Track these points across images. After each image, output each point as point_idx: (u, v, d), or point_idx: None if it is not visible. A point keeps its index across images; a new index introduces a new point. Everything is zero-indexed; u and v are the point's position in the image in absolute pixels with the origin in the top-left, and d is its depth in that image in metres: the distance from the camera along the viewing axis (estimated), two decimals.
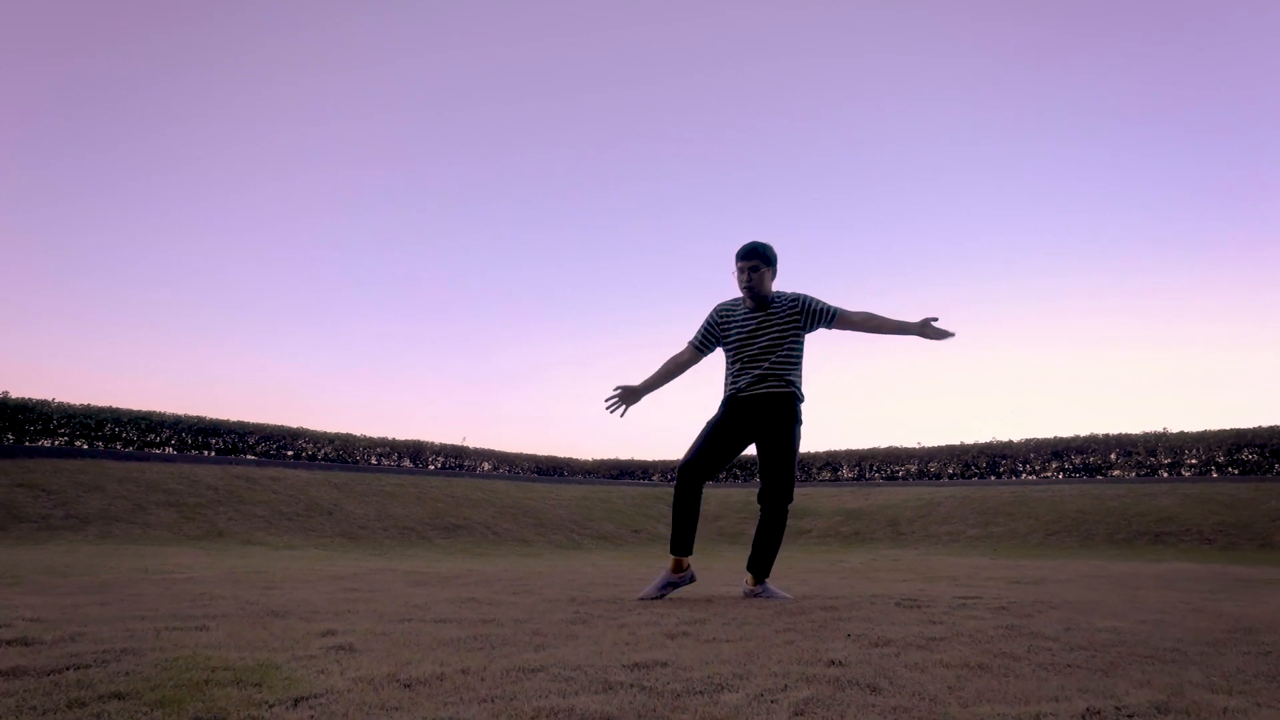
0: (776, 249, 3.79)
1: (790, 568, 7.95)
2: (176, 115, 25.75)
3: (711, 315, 3.84)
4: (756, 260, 3.66)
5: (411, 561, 8.07)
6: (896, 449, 18.47)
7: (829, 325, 3.77)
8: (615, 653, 2.07)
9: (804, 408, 3.82)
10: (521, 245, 31.04)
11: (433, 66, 28.26)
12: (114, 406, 15.70)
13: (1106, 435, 15.22)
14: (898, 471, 18.36)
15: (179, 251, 27.34)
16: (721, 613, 3.10)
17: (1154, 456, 14.53)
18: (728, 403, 3.76)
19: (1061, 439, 15.84)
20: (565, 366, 31.76)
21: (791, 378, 3.72)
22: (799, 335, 3.74)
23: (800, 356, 3.77)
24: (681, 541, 3.72)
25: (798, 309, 3.71)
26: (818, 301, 3.76)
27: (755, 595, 3.78)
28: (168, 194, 26.39)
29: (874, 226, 28.86)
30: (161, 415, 16.40)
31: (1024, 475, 16.25)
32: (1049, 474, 15.95)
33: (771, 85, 28.12)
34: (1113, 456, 15.06)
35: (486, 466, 22.28)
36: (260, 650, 1.97)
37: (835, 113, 28.20)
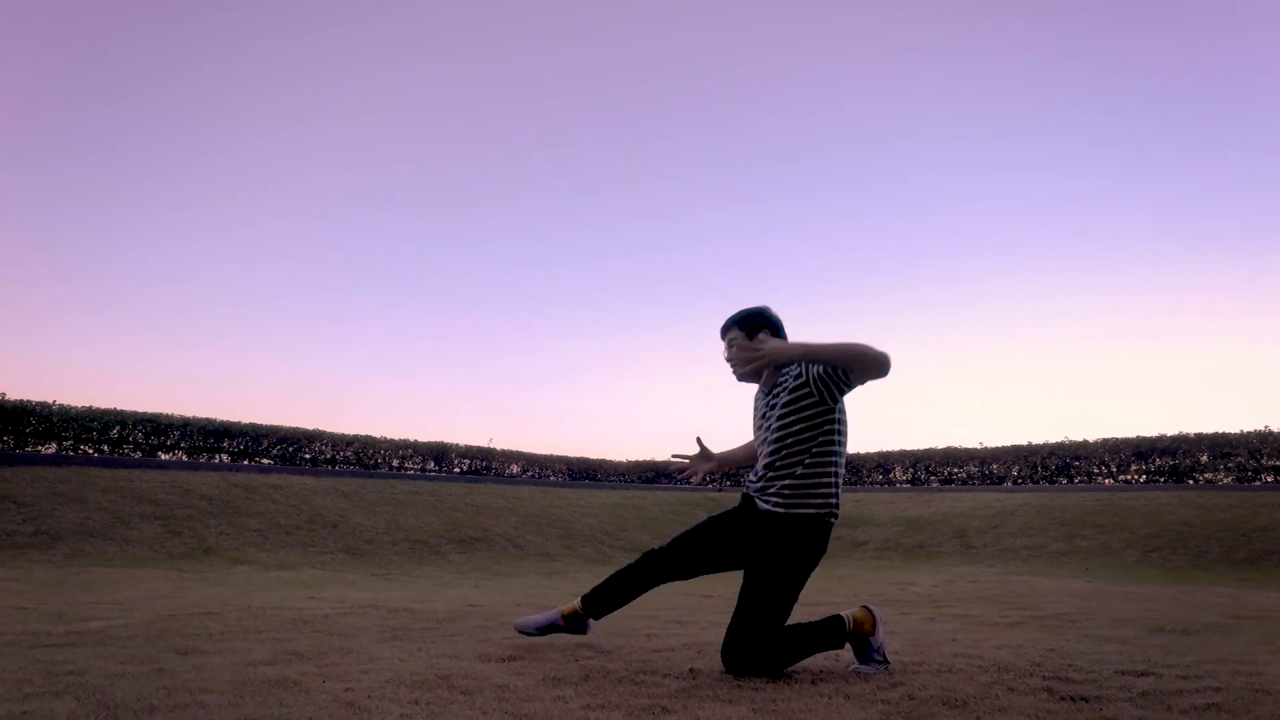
0: (780, 307, 3.04)
1: (854, 589, 6.87)
2: (187, 112, 25.30)
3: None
4: (734, 332, 2.97)
5: (415, 585, 7.12)
6: (955, 449, 17.16)
7: (841, 376, 2.74)
8: None
9: (812, 522, 2.78)
10: (550, 243, 30.25)
11: (455, 63, 27.58)
12: (119, 409, 15.08)
13: (1199, 434, 13.77)
14: (956, 474, 17.06)
15: (193, 251, 26.94)
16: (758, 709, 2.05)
17: (1257, 459, 13.04)
18: (742, 501, 3.00)
19: (1145, 438, 14.43)
20: (598, 365, 30.93)
21: (796, 483, 2.74)
22: (810, 409, 2.72)
23: (817, 442, 2.74)
24: (599, 600, 3.06)
25: (799, 370, 2.77)
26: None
27: None
28: (181, 192, 25.96)
29: (937, 218, 27.50)
30: (170, 417, 15.76)
31: (1100, 479, 14.87)
32: (1128, 477, 14.55)
33: (810, 78, 26.91)
34: (1204, 458, 13.61)
35: (515, 469, 21.43)
36: None
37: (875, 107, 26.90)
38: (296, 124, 27.39)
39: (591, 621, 3.16)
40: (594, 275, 30.89)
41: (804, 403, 2.74)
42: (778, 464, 2.78)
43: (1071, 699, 2.44)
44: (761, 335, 2.93)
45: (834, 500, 2.76)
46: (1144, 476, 14.29)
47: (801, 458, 2.74)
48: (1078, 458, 15.18)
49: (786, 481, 2.75)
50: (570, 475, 22.33)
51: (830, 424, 2.75)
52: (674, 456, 3.48)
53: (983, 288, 28.37)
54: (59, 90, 23.42)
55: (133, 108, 24.63)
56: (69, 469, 10.13)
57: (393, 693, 2.41)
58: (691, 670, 2.96)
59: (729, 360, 3.01)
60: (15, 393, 14.09)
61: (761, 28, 26.90)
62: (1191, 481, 13.50)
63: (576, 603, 3.11)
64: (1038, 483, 15.49)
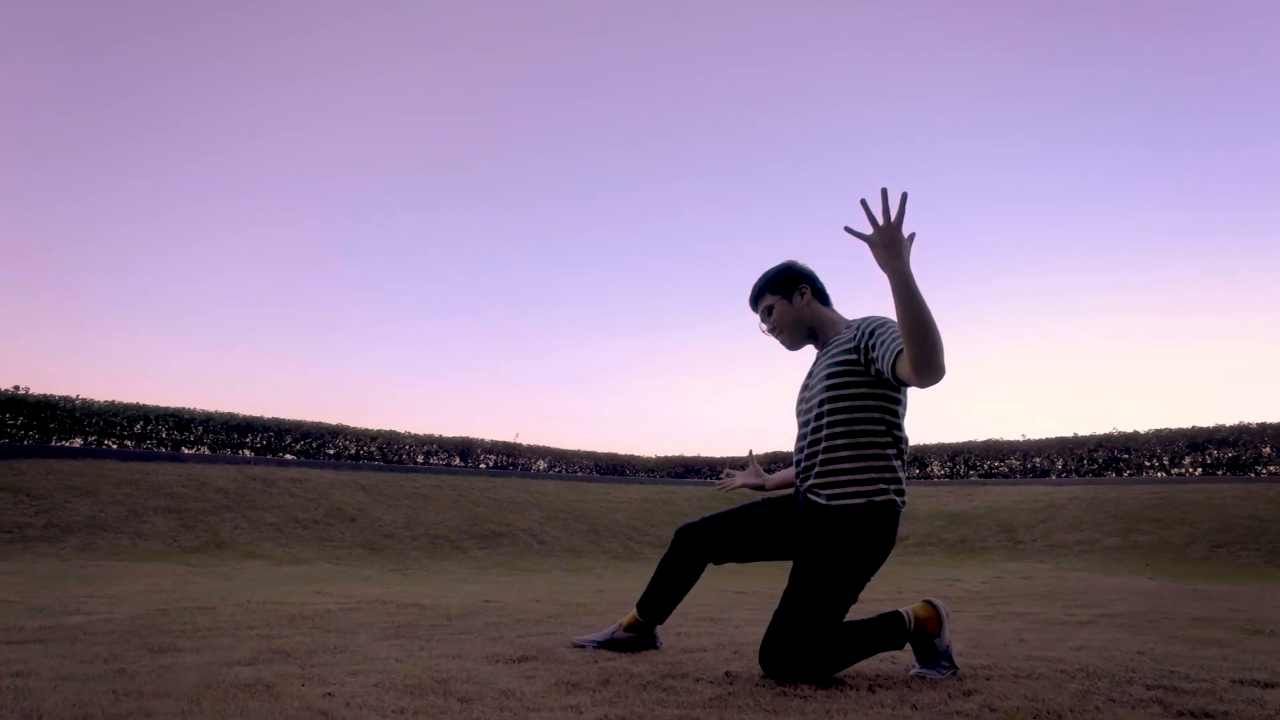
0: (818, 261, 2.65)
1: (897, 586, 6.43)
2: (213, 109, 25.35)
3: None
4: (770, 298, 2.57)
5: (432, 580, 6.81)
6: (997, 442, 16.54)
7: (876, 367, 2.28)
8: None
9: (866, 512, 2.31)
10: (581, 241, 30.03)
11: (484, 64, 27.42)
12: (141, 403, 15.01)
13: (1262, 424, 13.04)
14: (997, 467, 16.43)
15: (220, 249, 27.02)
16: None
17: None
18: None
19: (1201, 429, 13.73)
20: (629, 363, 30.67)
21: (845, 467, 2.31)
22: (857, 381, 2.29)
23: (871, 417, 2.30)
24: (653, 603, 2.77)
25: (853, 335, 2.33)
26: (874, 328, 2.31)
27: None
28: (208, 190, 26.03)
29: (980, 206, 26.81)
30: (192, 412, 15.67)
31: (1152, 472, 14.19)
32: (1182, 470, 13.86)
33: (833, 77, 26.35)
34: (1267, 450, 12.89)
35: (542, 465, 21.18)
36: None
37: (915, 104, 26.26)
38: (323, 123, 27.39)
39: (659, 630, 2.86)
40: (625, 272, 30.60)
41: (848, 365, 2.33)
42: (822, 445, 2.36)
43: (1192, 715, 2.02)
44: (802, 291, 2.54)
45: (894, 485, 2.32)
46: (1199, 469, 13.60)
47: (851, 437, 2.32)
48: (1127, 450, 14.50)
49: (833, 466, 2.34)
50: (598, 471, 22.02)
51: (885, 395, 2.33)
52: (725, 473, 3.06)
53: (1019, 277, 27.60)
54: (85, 87, 23.58)
55: (158, 104, 24.74)
56: (85, 462, 9.98)
57: (378, 699, 2.06)
58: (728, 674, 2.58)
59: (772, 331, 2.58)
60: (40, 388, 14.07)
61: (799, 23, 26.39)
62: (1253, 475, 12.80)
63: (634, 611, 2.81)
64: (1084, 475, 14.84)
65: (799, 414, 2.54)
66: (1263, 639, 3.55)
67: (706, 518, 2.62)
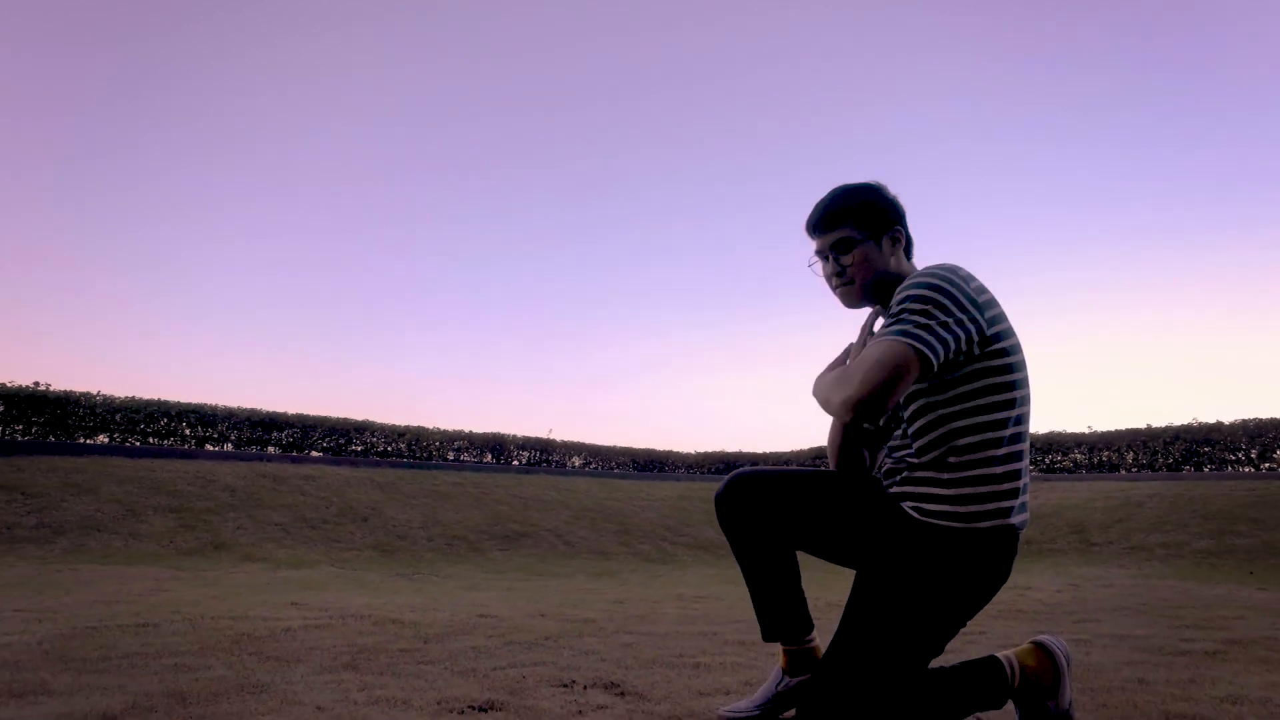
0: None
1: None
2: (239, 109, 25.27)
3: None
4: (844, 231, 1.77)
5: (438, 587, 6.21)
6: (1060, 434, 15.47)
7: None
8: None
9: (964, 539, 1.59)
10: (621, 239, 29.55)
11: (513, 66, 27.04)
12: (163, 399, 14.77)
13: None
14: (1060, 462, 15.37)
15: (248, 248, 27.00)
16: None
17: None
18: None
19: None
20: (673, 357, 30.16)
21: (940, 475, 1.60)
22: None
23: (972, 411, 1.58)
24: (775, 621, 1.92)
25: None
26: (905, 299, 1.61)
27: None
28: (231, 189, 25.99)
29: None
30: (214, 408, 15.40)
31: (1238, 466, 13.05)
32: (1273, 464, 12.70)
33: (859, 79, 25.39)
34: None
35: (576, 461, 20.61)
36: None
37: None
38: (353, 121, 27.22)
39: (812, 640, 1.94)
40: (666, 271, 30.06)
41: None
42: (915, 446, 1.66)
43: None
44: (896, 235, 1.79)
45: (1007, 502, 1.59)
46: None
47: (951, 439, 1.59)
48: (1209, 442, 13.36)
49: (928, 473, 1.63)
50: (636, 467, 21.42)
51: (992, 381, 1.58)
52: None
53: (1083, 258, 26.27)
54: (109, 84, 23.63)
55: (185, 99, 24.73)
56: (89, 459, 9.63)
57: None
58: None
59: (837, 276, 1.79)
60: (62, 384, 13.89)
61: (830, 24, 25.53)
62: None
63: (778, 649, 1.98)
64: (1158, 470, 13.74)
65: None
66: None
67: (764, 471, 1.80)
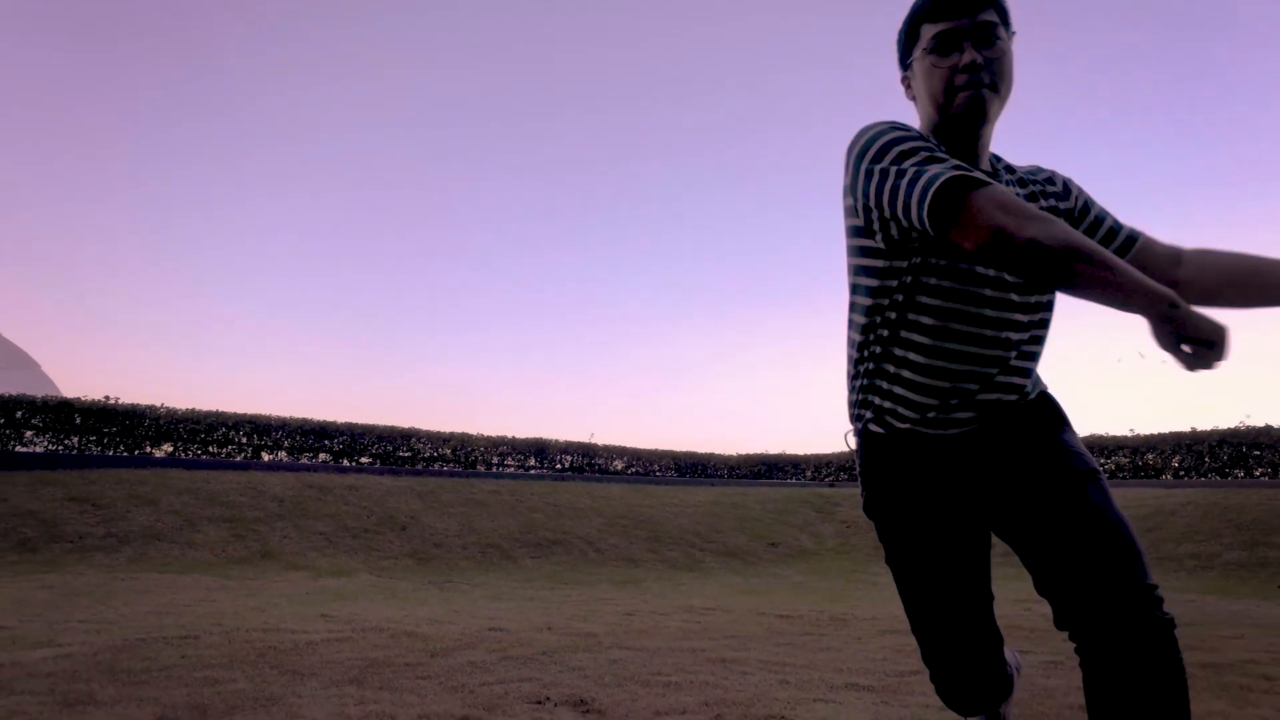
0: None
1: None
2: (293, 119, 26.25)
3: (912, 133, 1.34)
4: (995, 15, 1.32)
5: (465, 596, 6.59)
6: (1100, 437, 15.24)
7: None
8: None
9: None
10: (671, 240, 29.85)
11: (556, 66, 27.48)
12: (220, 410, 15.58)
13: None
14: (1103, 465, 15.14)
15: (296, 253, 28.01)
16: None
17: None
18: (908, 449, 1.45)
19: None
20: (716, 362, 30.38)
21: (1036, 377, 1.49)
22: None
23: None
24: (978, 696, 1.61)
25: (1061, 183, 1.49)
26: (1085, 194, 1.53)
27: None
28: (274, 198, 27.00)
29: None
30: (268, 418, 16.17)
31: None
32: None
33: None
34: None
35: (618, 465, 20.95)
36: None
37: None
38: (397, 127, 28.03)
39: (1009, 705, 1.71)
40: (716, 273, 30.25)
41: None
42: (1044, 335, 1.44)
43: None
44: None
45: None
46: None
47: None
48: (1259, 446, 13.04)
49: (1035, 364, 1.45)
50: (678, 470, 21.67)
51: None
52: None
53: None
54: (178, 101, 24.78)
55: (241, 116, 25.79)
56: (150, 471, 10.30)
57: None
58: None
59: (984, 68, 1.30)
60: (128, 397, 14.75)
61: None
62: None
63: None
64: (1206, 475, 13.47)
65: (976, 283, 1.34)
66: None
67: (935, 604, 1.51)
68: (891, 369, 1.40)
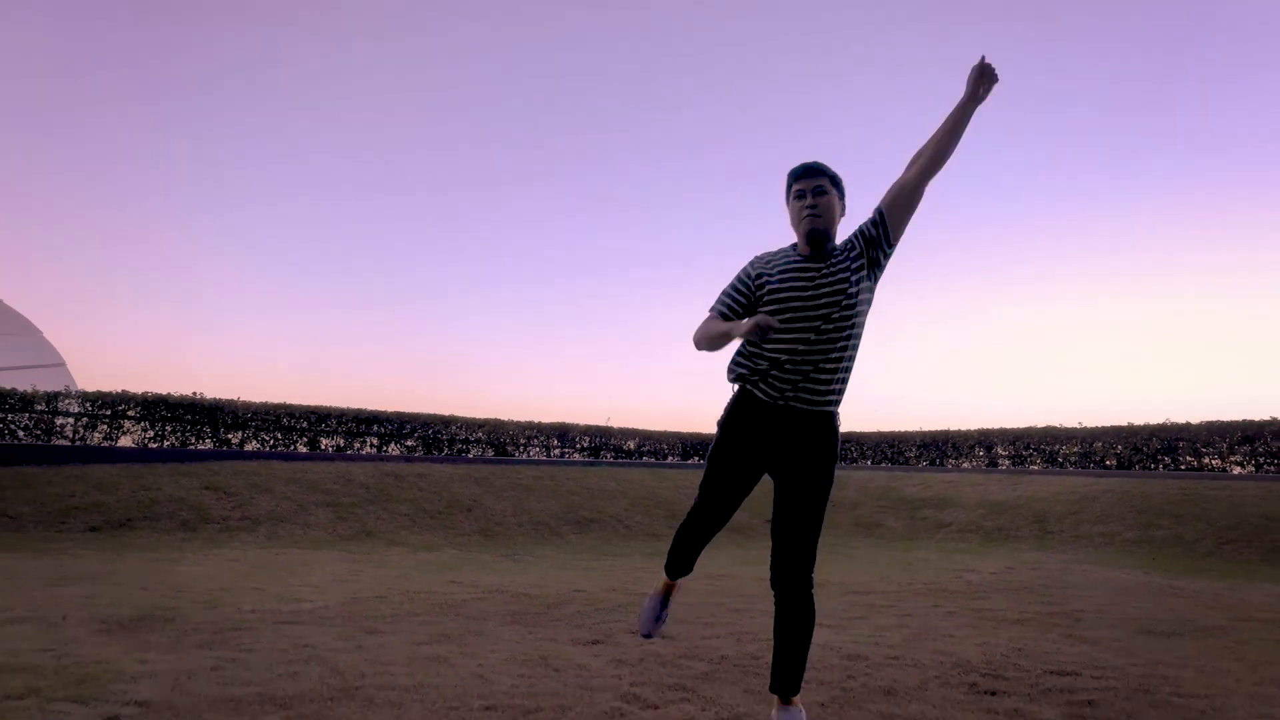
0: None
1: (913, 579, 7.65)
2: (329, 114, 27.69)
3: (744, 274, 2.56)
4: (822, 178, 2.46)
5: (536, 566, 8.48)
6: (1055, 429, 17.16)
7: (884, 232, 2.46)
8: None
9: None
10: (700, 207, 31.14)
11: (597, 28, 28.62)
12: (287, 403, 17.47)
13: None
14: (1057, 451, 17.07)
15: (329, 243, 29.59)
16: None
17: None
18: (749, 409, 2.51)
19: (1253, 422, 14.11)
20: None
21: (836, 403, 2.50)
22: (869, 298, 2.47)
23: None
24: (679, 567, 2.99)
25: (857, 246, 2.48)
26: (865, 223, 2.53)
27: None
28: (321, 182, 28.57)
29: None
30: (328, 409, 18.07)
31: (1207, 460, 14.64)
32: (1238, 459, 14.27)
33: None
34: None
35: (631, 445, 22.85)
36: None
37: None
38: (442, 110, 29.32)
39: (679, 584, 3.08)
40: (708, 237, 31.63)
41: (862, 278, 2.44)
42: (845, 364, 2.44)
43: (980, 692, 3.34)
44: (844, 205, 2.54)
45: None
46: (1253, 463, 13.99)
47: (855, 351, 2.48)
48: (1181, 439, 14.96)
49: (843, 384, 2.49)
50: (684, 450, 23.57)
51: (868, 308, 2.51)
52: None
53: (1081, 249, 27.26)
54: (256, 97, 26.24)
55: (268, 108, 27.23)
56: (258, 462, 12.16)
57: (507, 669, 3.60)
58: (723, 657, 4.02)
59: (812, 208, 2.42)
60: (210, 392, 16.63)
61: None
62: None
63: (662, 581, 3.15)
64: (1135, 465, 15.35)
65: (796, 312, 2.38)
66: (1142, 637, 4.71)
67: (700, 506, 2.74)
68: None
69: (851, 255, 2.44)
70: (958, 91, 2.45)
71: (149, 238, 26.94)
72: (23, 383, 14.38)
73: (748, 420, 2.51)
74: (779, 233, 2.72)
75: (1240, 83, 23.37)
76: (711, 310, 2.56)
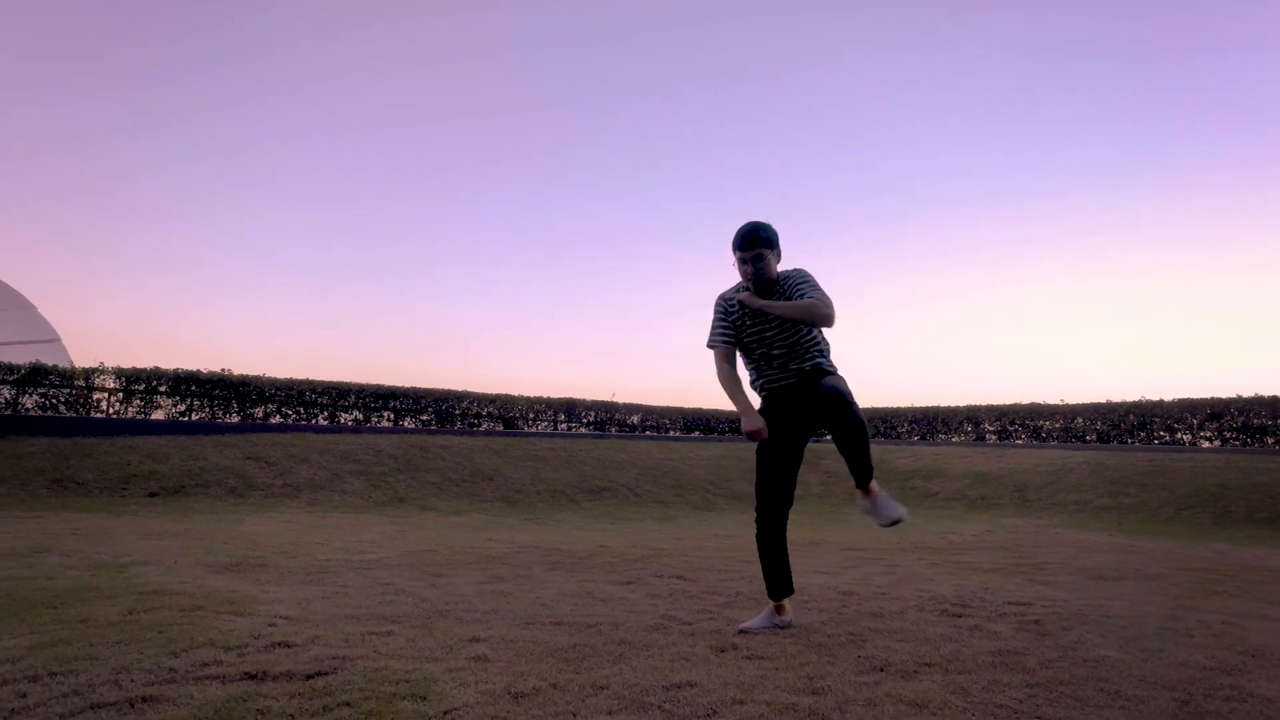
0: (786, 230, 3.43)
1: (901, 539, 8.41)
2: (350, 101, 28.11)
3: (721, 306, 3.49)
4: (759, 248, 3.30)
5: (559, 528, 9.22)
6: (1039, 405, 17.94)
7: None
8: (667, 669, 2.84)
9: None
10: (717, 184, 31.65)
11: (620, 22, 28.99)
12: (310, 379, 18.17)
13: (1275, 397, 14.16)
14: (1041, 426, 17.86)
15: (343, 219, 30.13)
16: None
17: None
18: (772, 401, 3.45)
19: (1220, 400, 14.89)
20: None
21: (818, 358, 3.38)
22: (806, 289, 3.33)
23: (822, 335, 3.45)
24: (778, 585, 3.56)
25: (787, 282, 3.38)
26: (803, 279, 3.36)
27: (868, 511, 3.47)
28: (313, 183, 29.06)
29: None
30: (347, 384, 18.77)
31: (1179, 435, 15.43)
32: (1207, 434, 15.07)
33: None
34: (1270, 422, 14.00)
35: (635, 420, 23.61)
36: (427, 661, 2.91)
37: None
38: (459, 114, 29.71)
39: (788, 606, 3.63)
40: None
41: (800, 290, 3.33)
42: (809, 336, 3.36)
43: (950, 615, 4.08)
44: (779, 251, 3.38)
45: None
46: (1221, 439, 14.79)
47: (819, 339, 3.44)
48: (1155, 415, 15.75)
49: (816, 355, 3.38)
50: (685, 426, 24.34)
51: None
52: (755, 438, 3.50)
53: (1072, 231, 27.88)
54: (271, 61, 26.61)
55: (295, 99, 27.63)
56: (294, 434, 12.88)
57: (561, 600, 4.32)
58: (739, 593, 4.76)
59: (755, 275, 3.30)
60: (239, 369, 17.31)
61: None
62: (1269, 441, 13.95)
63: (770, 604, 3.64)
64: (1113, 440, 16.14)
65: (760, 335, 3.35)
66: (1093, 582, 5.45)
67: (764, 490, 3.43)
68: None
69: (787, 284, 3.38)
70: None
71: (147, 220, 27.47)
72: (18, 358, 14.95)
73: (774, 408, 3.41)
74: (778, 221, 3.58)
75: (1204, 65, 23.87)
76: (714, 345, 3.48)
